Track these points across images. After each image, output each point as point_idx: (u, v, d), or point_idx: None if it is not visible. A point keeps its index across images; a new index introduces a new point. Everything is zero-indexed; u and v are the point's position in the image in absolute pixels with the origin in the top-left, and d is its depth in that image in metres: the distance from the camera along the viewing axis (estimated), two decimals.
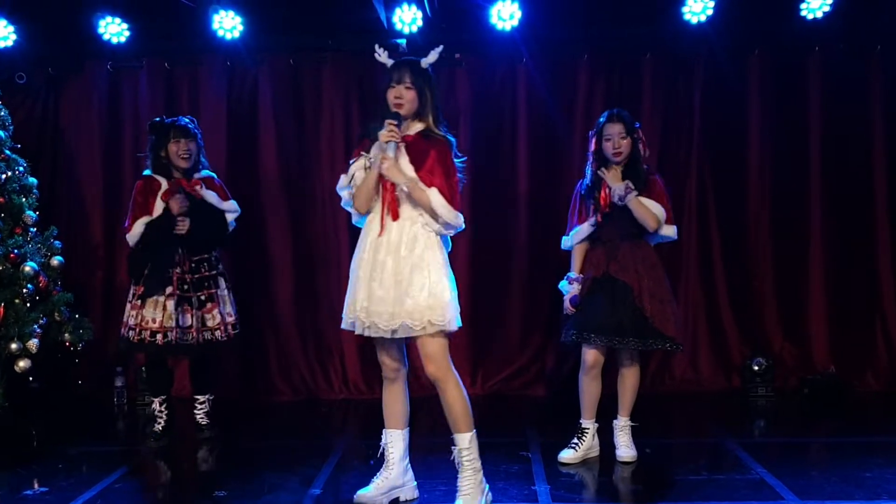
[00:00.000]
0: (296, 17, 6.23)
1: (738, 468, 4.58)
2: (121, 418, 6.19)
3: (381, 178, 3.87)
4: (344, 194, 4.05)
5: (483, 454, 3.95)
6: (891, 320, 6.47)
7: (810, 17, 6.01)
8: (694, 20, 6.02)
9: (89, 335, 5.62)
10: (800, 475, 4.39)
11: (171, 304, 5.00)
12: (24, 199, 5.56)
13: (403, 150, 3.86)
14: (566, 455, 4.72)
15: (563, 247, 4.88)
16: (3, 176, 5.47)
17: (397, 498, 4.09)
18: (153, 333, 4.98)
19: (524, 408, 6.05)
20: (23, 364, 5.13)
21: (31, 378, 5.25)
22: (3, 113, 5.73)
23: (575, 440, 4.76)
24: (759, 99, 6.46)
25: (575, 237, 4.78)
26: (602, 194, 4.65)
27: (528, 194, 6.47)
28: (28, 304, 5.28)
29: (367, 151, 3.96)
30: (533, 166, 6.49)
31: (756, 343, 6.49)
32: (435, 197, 3.81)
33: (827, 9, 5.97)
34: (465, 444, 3.84)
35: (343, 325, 3.98)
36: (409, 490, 4.13)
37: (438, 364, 3.84)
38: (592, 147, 4.74)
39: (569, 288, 4.71)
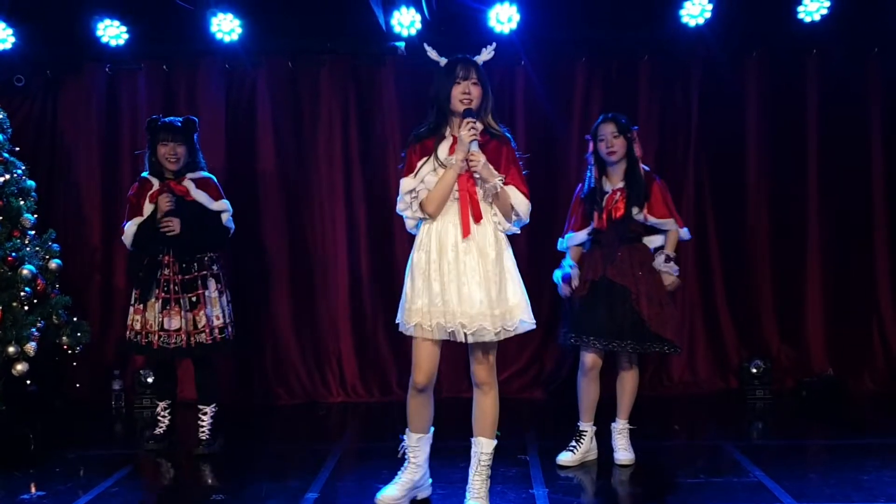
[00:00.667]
0: (294, 20, 6.23)
1: (735, 471, 4.58)
2: (118, 422, 6.19)
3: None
4: (407, 200, 3.86)
5: None
6: (888, 322, 6.48)
7: (808, 19, 6.02)
8: (692, 23, 6.03)
9: (87, 338, 5.60)
10: (797, 477, 4.39)
11: (157, 306, 4.99)
12: (22, 202, 5.54)
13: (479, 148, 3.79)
14: (564, 458, 4.73)
15: (558, 248, 4.90)
16: (1, 179, 5.45)
17: (415, 496, 4.12)
18: (158, 336, 4.98)
19: (522, 411, 6.05)
20: (20, 367, 5.12)
21: (28, 381, 5.23)
22: (1, 116, 5.72)
23: (573, 443, 4.77)
24: (756, 101, 6.47)
25: (570, 241, 4.80)
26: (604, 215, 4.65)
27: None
28: (26, 308, 5.26)
29: (428, 154, 3.84)
30: (530, 168, 6.44)
31: (754, 345, 6.49)
32: (517, 195, 3.82)
33: (824, 11, 5.98)
34: (490, 449, 3.91)
35: (410, 332, 3.85)
36: (426, 488, 4.17)
37: (492, 368, 3.90)
38: (590, 149, 4.76)
39: (566, 271, 4.70)
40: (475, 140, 3.74)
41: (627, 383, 4.74)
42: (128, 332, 5.09)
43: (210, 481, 4.74)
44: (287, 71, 6.49)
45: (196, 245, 5.07)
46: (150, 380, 6.30)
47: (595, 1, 6.16)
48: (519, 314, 3.82)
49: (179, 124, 5.09)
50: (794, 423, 5.82)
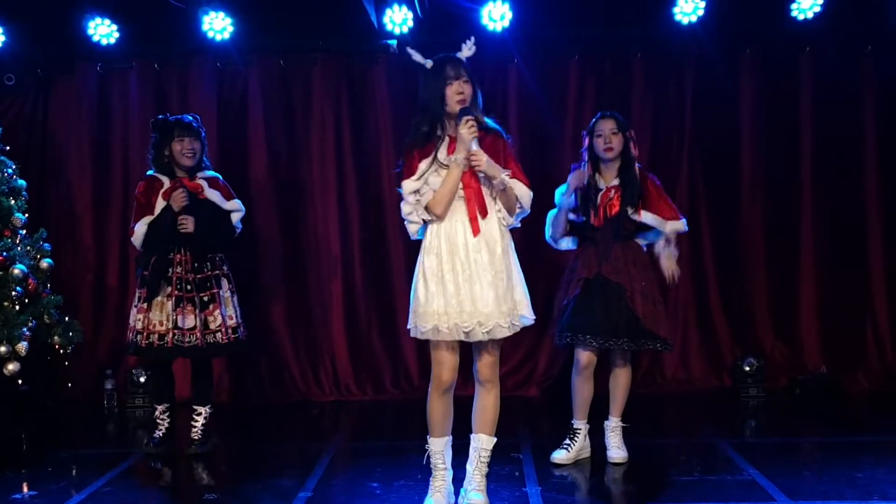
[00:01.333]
0: (286, 19, 6.21)
1: (729, 468, 4.57)
2: (111, 421, 6.17)
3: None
4: (412, 201, 3.83)
5: None
6: (881, 320, 6.48)
7: (801, 17, 6.02)
8: (685, 20, 6.03)
9: (79, 338, 5.58)
10: (791, 475, 4.39)
11: (170, 304, 4.92)
12: (13, 202, 5.52)
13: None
14: (558, 456, 4.72)
15: (546, 237, 4.87)
16: None
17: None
18: (161, 336, 4.89)
19: (516, 408, 6.04)
20: (12, 367, 5.10)
21: (20, 381, 5.21)
22: None
23: (567, 441, 4.76)
24: (750, 99, 6.47)
25: (553, 224, 4.77)
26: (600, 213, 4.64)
27: None
28: (17, 307, 5.24)
29: (428, 156, 3.81)
30: (523, 166, 6.43)
31: (747, 343, 6.50)
32: (521, 186, 3.84)
33: (818, 9, 5.98)
34: (490, 446, 3.92)
35: (426, 336, 3.82)
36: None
37: (496, 366, 3.93)
38: (585, 145, 4.74)
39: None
40: (476, 138, 3.74)
41: (621, 381, 4.74)
42: (129, 333, 5.02)
43: (203, 480, 4.73)
44: (279, 69, 6.48)
45: (209, 244, 5.02)
46: (142, 379, 6.29)
47: None
48: (521, 309, 3.85)
49: (192, 121, 5.04)
50: (788, 421, 5.82)
